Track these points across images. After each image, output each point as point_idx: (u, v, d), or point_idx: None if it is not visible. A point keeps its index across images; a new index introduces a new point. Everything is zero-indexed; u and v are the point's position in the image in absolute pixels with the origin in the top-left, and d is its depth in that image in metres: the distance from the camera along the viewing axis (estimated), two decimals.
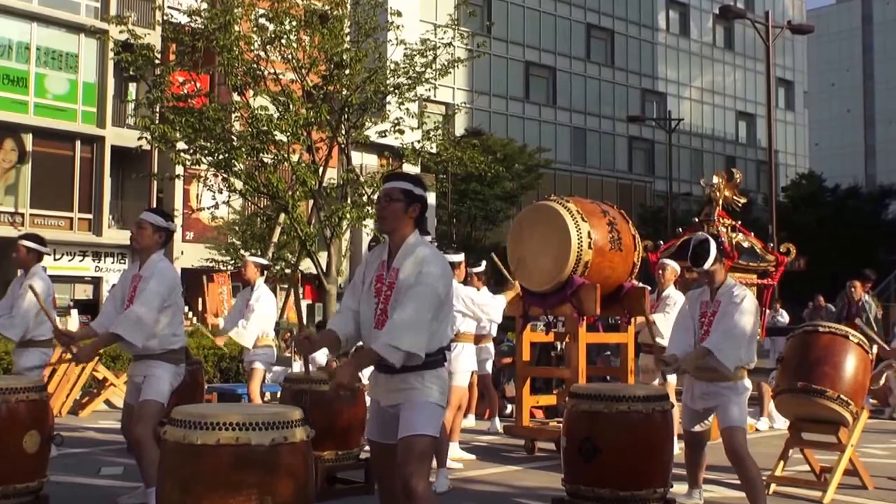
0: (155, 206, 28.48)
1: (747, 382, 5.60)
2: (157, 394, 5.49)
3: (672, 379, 8.17)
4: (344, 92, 17.00)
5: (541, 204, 8.28)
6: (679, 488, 5.89)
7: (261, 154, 16.74)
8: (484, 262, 9.12)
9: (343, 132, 17.22)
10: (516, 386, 8.74)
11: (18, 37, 28.00)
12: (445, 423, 7.00)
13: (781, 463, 6.67)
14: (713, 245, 5.71)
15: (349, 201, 17.78)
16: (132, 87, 29.71)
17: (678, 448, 6.85)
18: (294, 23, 16.53)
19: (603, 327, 9.74)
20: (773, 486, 6.49)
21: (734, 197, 10.17)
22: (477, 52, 20.73)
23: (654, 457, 5.23)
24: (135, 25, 17.33)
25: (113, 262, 29.77)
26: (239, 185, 16.99)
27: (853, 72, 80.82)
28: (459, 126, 37.77)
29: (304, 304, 33.50)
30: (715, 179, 10.19)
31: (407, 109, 17.19)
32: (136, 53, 16.74)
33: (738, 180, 10.35)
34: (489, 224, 39.13)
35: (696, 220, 10.55)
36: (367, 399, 5.60)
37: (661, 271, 8.52)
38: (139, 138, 17.31)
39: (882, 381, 10.71)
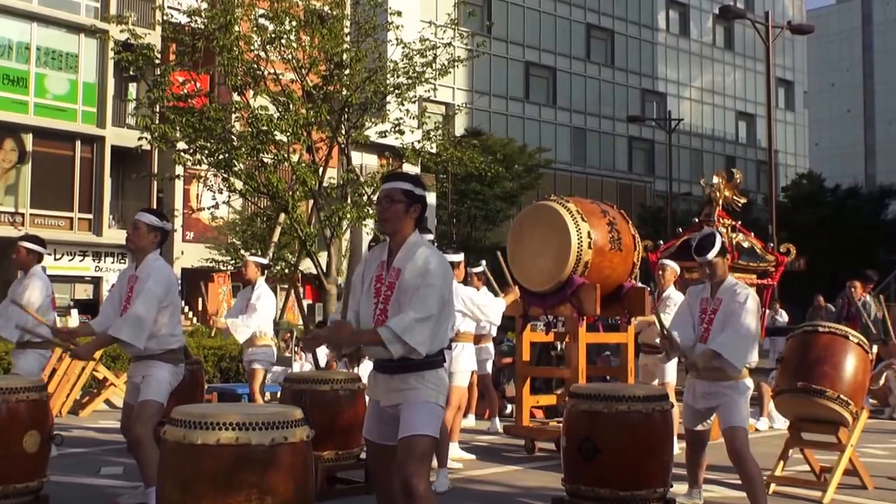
0: (155, 206, 28.49)
1: (749, 382, 5.61)
2: (156, 394, 5.49)
3: (672, 379, 8.18)
4: (344, 92, 17.01)
5: (541, 204, 8.28)
6: (679, 488, 5.89)
7: (261, 154, 16.75)
8: (483, 263, 9.12)
9: (343, 132, 17.22)
10: (516, 386, 8.74)
11: (18, 37, 28.01)
12: (445, 422, 7.00)
13: (781, 463, 6.67)
14: (718, 238, 5.77)
15: (349, 201, 17.79)
16: (132, 87, 29.71)
17: (678, 448, 6.86)
18: (294, 23, 16.54)
19: (603, 327, 9.75)
20: (773, 486, 6.49)
21: (734, 197, 10.18)
22: (477, 52, 20.73)
23: (654, 457, 5.23)
24: (135, 25, 17.35)
25: (113, 262, 29.78)
26: (239, 185, 17.00)
27: (853, 72, 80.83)
28: (459, 126, 37.79)
29: (304, 304, 33.52)
30: (715, 179, 10.20)
31: (407, 110, 17.19)
32: (137, 53, 16.75)
33: (738, 180, 10.35)
34: (489, 224, 39.14)
35: (696, 220, 10.56)
36: (367, 398, 5.61)
37: (660, 272, 8.53)
38: (139, 138, 17.32)
39: (882, 381, 10.72)
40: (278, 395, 9.30)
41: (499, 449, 8.60)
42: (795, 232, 31.40)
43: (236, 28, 16.25)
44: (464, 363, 7.41)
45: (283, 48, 16.64)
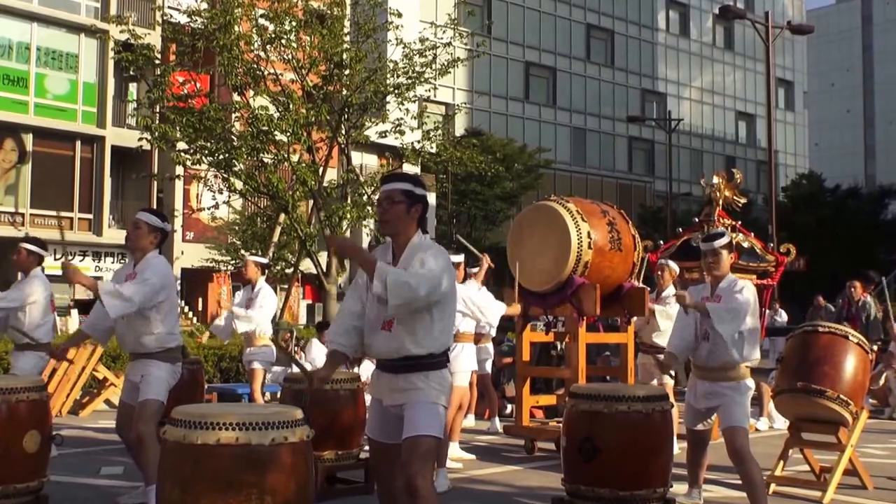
0: (155, 206, 28.49)
1: (750, 382, 5.61)
2: (156, 393, 5.50)
3: (670, 379, 8.18)
4: (344, 92, 17.02)
5: (541, 204, 8.28)
6: (679, 488, 5.89)
7: (261, 154, 16.75)
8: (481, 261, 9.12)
9: (343, 132, 17.23)
10: (516, 386, 8.74)
11: (18, 37, 28.00)
12: (446, 422, 7.01)
13: (781, 463, 6.67)
14: (728, 235, 5.85)
15: (349, 201, 17.80)
16: (132, 87, 29.72)
17: (678, 448, 6.86)
18: (294, 23, 16.54)
19: (603, 327, 9.75)
20: (772, 486, 6.49)
21: (734, 197, 10.18)
22: (477, 52, 20.71)
23: (654, 457, 5.23)
24: (135, 25, 17.35)
25: (113, 262, 29.77)
26: (239, 185, 17.00)
27: (853, 72, 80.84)
28: (459, 126, 37.77)
29: (304, 304, 33.51)
30: (715, 179, 10.20)
31: (407, 110, 17.19)
32: (137, 53, 16.76)
33: (738, 180, 10.36)
34: (489, 224, 39.14)
35: (697, 220, 10.56)
36: (367, 398, 5.61)
37: (660, 272, 8.53)
38: (140, 138, 17.33)
39: (882, 381, 10.74)
40: (278, 395, 9.30)
41: (499, 449, 8.60)
42: (795, 232, 31.40)
43: (236, 28, 16.26)
44: (464, 363, 7.42)
45: (283, 48, 16.65)
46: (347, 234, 22.72)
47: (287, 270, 25.66)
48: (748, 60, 59.95)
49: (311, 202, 18.17)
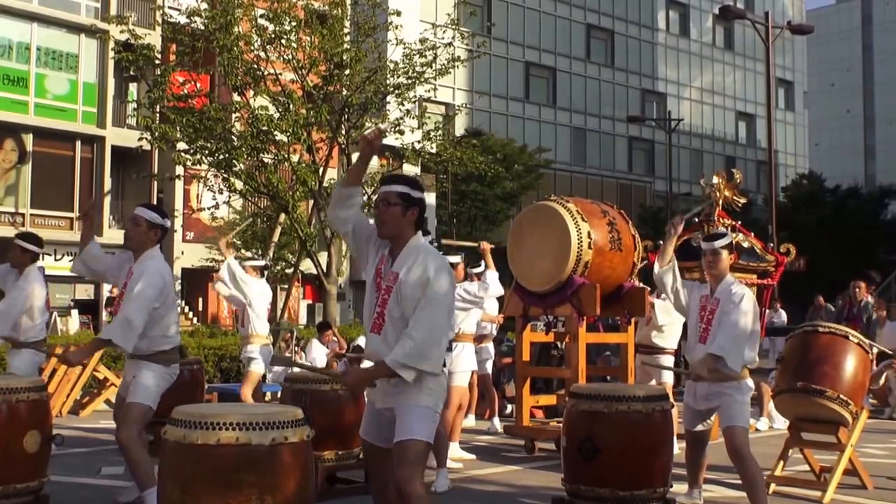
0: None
1: (750, 382, 5.61)
2: (142, 397, 5.37)
3: (669, 379, 8.19)
4: (344, 92, 17.02)
5: (541, 204, 8.28)
6: (679, 488, 5.89)
7: (261, 154, 16.76)
8: (484, 263, 9.12)
9: (343, 132, 17.23)
10: (516, 386, 8.74)
11: (18, 37, 28.00)
12: (446, 422, 7.01)
13: (781, 463, 6.67)
14: (730, 236, 5.90)
15: None
16: (132, 87, 29.72)
17: (678, 448, 6.86)
18: (294, 23, 16.54)
19: (603, 327, 9.74)
20: (772, 486, 6.49)
21: (734, 197, 10.17)
22: (477, 53, 20.71)
23: (654, 457, 5.23)
24: (135, 25, 17.35)
25: None
26: (239, 185, 17.01)
27: (853, 72, 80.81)
28: (460, 126, 37.76)
29: (304, 304, 33.51)
30: (715, 179, 10.19)
31: (407, 110, 17.20)
32: (137, 53, 16.76)
33: (738, 180, 10.35)
34: (489, 224, 39.11)
35: (697, 220, 10.55)
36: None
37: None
38: (140, 138, 17.34)
39: (882, 381, 10.73)
40: (278, 395, 9.31)
41: (499, 449, 8.60)
42: (795, 232, 31.39)
43: (236, 28, 16.26)
44: (464, 363, 7.43)
45: (283, 48, 16.65)
46: None
47: (287, 270, 25.67)
48: (748, 60, 59.93)
49: (311, 202, 18.18)
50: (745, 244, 10.05)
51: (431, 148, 18.02)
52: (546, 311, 8.27)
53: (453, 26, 18.01)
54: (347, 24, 17.78)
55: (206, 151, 16.61)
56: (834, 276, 29.30)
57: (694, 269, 8.75)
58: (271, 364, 9.40)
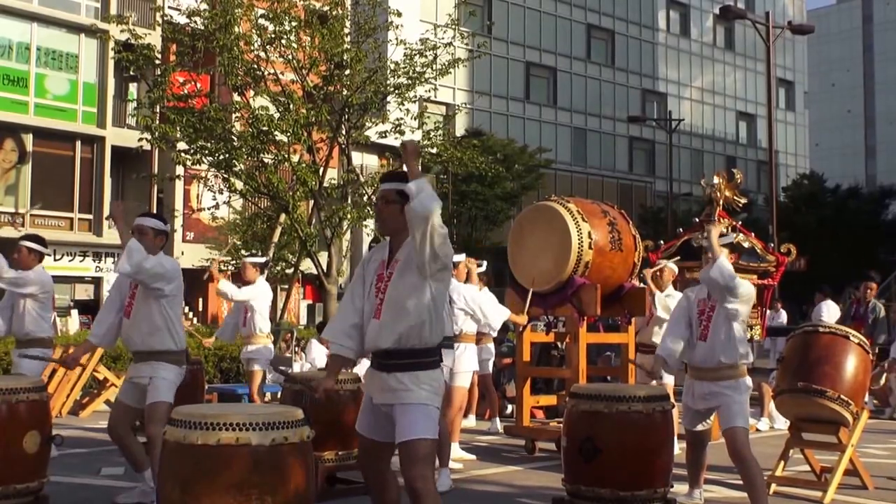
0: (155, 206, 28.50)
1: (749, 381, 5.60)
2: (166, 395, 5.62)
3: (669, 379, 8.18)
4: (344, 92, 17.02)
5: (541, 204, 8.28)
6: (679, 488, 5.88)
7: (261, 154, 16.76)
8: (485, 263, 9.13)
9: (343, 132, 17.24)
10: (517, 386, 8.73)
11: (18, 37, 27.99)
12: (447, 422, 7.00)
13: (782, 463, 6.67)
14: (731, 237, 5.82)
15: (349, 201, 17.80)
16: (132, 87, 29.70)
17: (678, 448, 6.85)
18: (294, 23, 16.54)
19: (603, 327, 9.73)
20: (773, 486, 6.49)
21: (734, 197, 10.17)
22: (477, 53, 20.72)
23: (655, 457, 5.22)
24: (135, 25, 17.36)
25: (113, 263, 29.74)
26: (239, 185, 17.01)
27: (853, 72, 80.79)
28: (460, 126, 37.74)
29: (304, 304, 33.50)
30: (715, 179, 10.18)
31: (407, 110, 17.19)
32: (137, 53, 16.76)
33: (739, 180, 10.34)
34: (490, 225, 39.09)
35: (697, 220, 10.55)
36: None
37: (659, 273, 8.52)
38: (140, 138, 17.34)
39: (882, 381, 10.73)
40: (278, 395, 9.30)
41: (499, 449, 8.60)
42: (796, 232, 31.41)
43: (236, 28, 16.26)
44: (466, 363, 7.43)
45: (283, 48, 16.65)
46: (347, 234, 22.71)
47: (287, 271, 25.66)
48: (748, 60, 59.92)
49: (311, 202, 18.17)
50: (746, 244, 10.04)
51: (432, 148, 18.02)
52: (546, 311, 8.26)
53: (453, 26, 18.01)
54: (348, 24, 17.78)
55: (206, 151, 16.61)
56: (834, 276, 29.32)
57: (694, 269, 8.75)
58: (271, 364, 9.39)
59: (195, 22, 16.97)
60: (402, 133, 17.12)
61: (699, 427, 5.76)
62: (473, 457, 7.87)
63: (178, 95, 17.03)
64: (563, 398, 7.94)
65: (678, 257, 9.21)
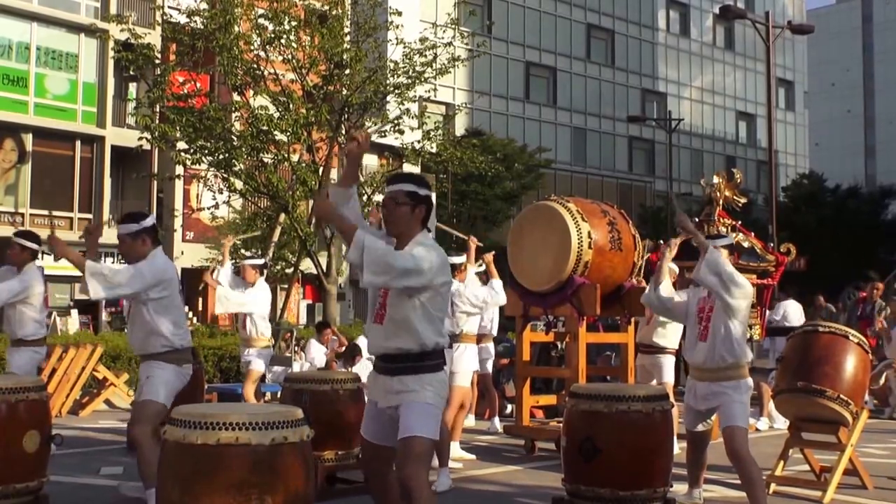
0: (155, 206, 28.52)
1: (749, 382, 5.61)
2: (156, 394, 5.39)
3: (670, 379, 8.19)
4: (344, 92, 17.02)
5: (541, 204, 8.28)
6: (679, 488, 5.88)
7: (261, 154, 16.76)
8: (482, 263, 9.12)
9: (343, 132, 17.23)
10: (516, 386, 8.74)
11: (18, 37, 27.98)
12: (447, 422, 7.00)
13: (781, 463, 6.67)
14: (732, 238, 6.06)
15: None
16: (132, 86, 29.69)
17: (678, 448, 6.85)
18: (294, 23, 16.55)
19: (603, 327, 9.74)
20: (773, 486, 6.49)
21: (734, 197, 10.17)
22: (477, 52, 20.73)
23: (655, 456, 5.22)
24: (135, 25, 17.37)
25: (113, 262, 29.70)
26: (239, 184, 17.01)
27: (853, 72, 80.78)
28: (460, 126, 37.75)
29: (304, 304, 33.49)
30: (715, 179, 10.19)
31: (407, 109, 17.20)
32: (137, 53, 16.76)
33: (739, 180, 10.35)
34: (490, 224, 39.10)
35: (697, 220, 10.55)
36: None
37: None
38: (139, 138, 17.33)
39: (882, 381, 10.73)
40: (278, 394, 9.30)
41: (499, 449, 8.60)
42: (796, 232, 31.39)
43: (236, 28, 16.26)
44: (466, 363, 7.43)
45: (282, 48, 16.65)
46: None
47: (287, 270, 25.65)
48: (748, 60, 59.93)
49: (311, 202, 18.16)
50: (746, 244, 10.05)
51: (431, 148, 18.02)
52: (546, 311, 8.27)
53: (453, 26, 18.01)
54: (347, 23, 17.78)
55: (206, 151, 16.61)
56: (834, 276, 29.32)
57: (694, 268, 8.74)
58: (271, 364, 9.39)
59: (195, 21, 16.97)
60: (401, 133, 17.13)
61: (700, 427, 5.76)
62: (473, 456, 7.87)
63: (178, 95, 17.03)
64: (562, 398, 7.95)
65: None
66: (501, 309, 8.86)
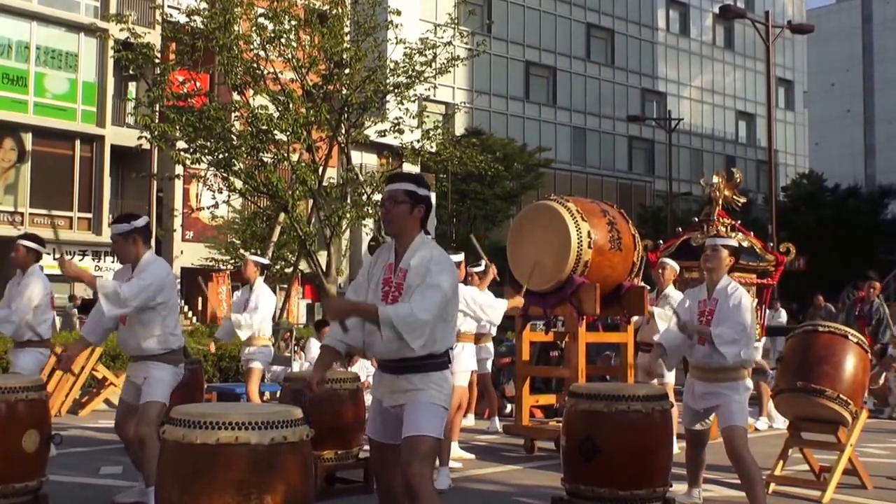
0: (155, 205, 28.52)
1: (749, 382, 5.60)
2: (159, 395, 5.50)
3: (671, 378, 8.18)
4: (344, 91, 17.02)
5: (540, 204, 8.27)
6: (679, 488, 5.88)
7: (261, 153, 16.76)
8: (484, 262, 9.12)
9: (343, 131, 17.24)
10: (516, 385, 8.73)
11: (18, 36, 27.97)
12: (447, 421, 7.00)
13: (781, 462, 6.67)
14: (735, 240, 6.04)
15: (349, 201, 17.80)
16: (132, 86, 29.68)
17: (678, 448, 6.85)
18: (294, 22, 16.54)
19: (603, 327, 9.73)
20: (772, 486, 6.49)
21: (734, 196, 10.17)
22: (477, 52, 20.74)
23: (654, 456, 5.22)
24: (134, 24, 17.37)
25: (113, 262, 29.65)
26: (239, 184, 17.01)
27: (853, 72, 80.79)
28: (459, 126, 37.78)
29: (303, 304, 33.49)
30: (715, 179, 10.19)
31: (406, 109, 17.19)
32: (136, 52, 16.76)
33: (738, 180, 10.35)
34: (489, 224, 39.12)
35: (696, 219, 10.55)
36: (368, 398, 5.61)
37: (660, 270, 8.52)
38: (139, 137, 17.33)
39: (882, 381, 10.73)
40: (278, 394, 9.30)
41: (498, 448, 8.60)
42: (795, 232, 31.40)
43: (236, 27, 16.26)
44: (464, 363, 7.41)
45: (282, 47, 16.64)
46: (347, 233, 22.71)
47: (287, 270, 25.65)
48: (748, 60, 59.94)
49: (310, 201, 18.17)
50: (745, 244, 10.04)
51: (431, 147, 18.02)
52: (546, 311, 8.26)
53: (453, 25, 18.01)
54: (347, 23, 17.78)
55: (206, 150, 16.61)
56: (834, 275, 29.33)
57: (694, 268, 8.75)
58: (270, 364, 9.38)
59: (195, 21, 16.97)
60: (401, 132, 17.12)
61: (698, 426, 5.76)
62: (472, 456, 7.87)
63: (178, 94, 17.02)
64: (562, 397, 7.95)
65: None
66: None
